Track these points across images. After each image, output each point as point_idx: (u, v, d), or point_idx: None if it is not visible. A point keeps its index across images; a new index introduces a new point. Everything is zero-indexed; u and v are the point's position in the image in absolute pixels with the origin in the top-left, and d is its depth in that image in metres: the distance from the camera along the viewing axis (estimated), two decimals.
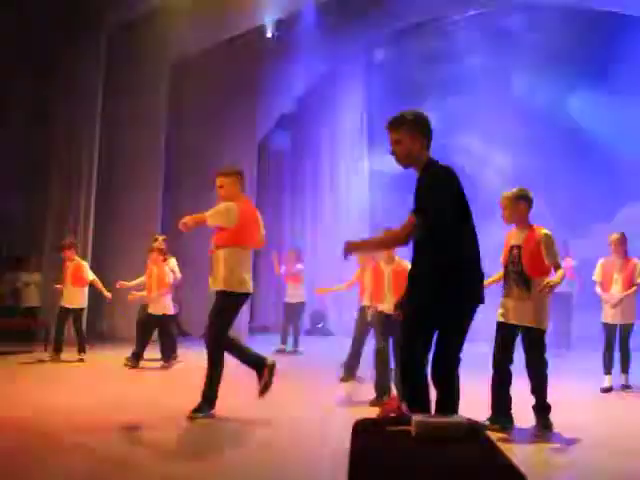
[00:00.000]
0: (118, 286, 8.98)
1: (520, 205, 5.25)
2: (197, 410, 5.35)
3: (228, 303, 5.50)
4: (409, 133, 3.75)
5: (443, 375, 3.75)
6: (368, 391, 6.46)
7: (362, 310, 7.57)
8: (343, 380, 7.60)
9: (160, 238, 9.37)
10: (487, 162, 13.13)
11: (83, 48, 10.95)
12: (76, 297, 8.97)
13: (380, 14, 12.59)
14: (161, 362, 8.62)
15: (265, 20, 12.46)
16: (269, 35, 12.99)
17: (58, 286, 9.00)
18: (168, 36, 11.52)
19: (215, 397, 5.44)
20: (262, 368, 5.48)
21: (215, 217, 5.61)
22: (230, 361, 5.54)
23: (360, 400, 6.43)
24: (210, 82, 12.94)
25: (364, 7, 12.53)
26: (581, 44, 12.15)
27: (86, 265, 9.22)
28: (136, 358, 8.42)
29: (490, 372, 5.22)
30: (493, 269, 5.34)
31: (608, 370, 7.36)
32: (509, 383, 5.18)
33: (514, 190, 5.32)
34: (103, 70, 11.09)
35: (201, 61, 12.44)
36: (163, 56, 11.81)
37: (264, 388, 5.46)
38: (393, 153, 3.83)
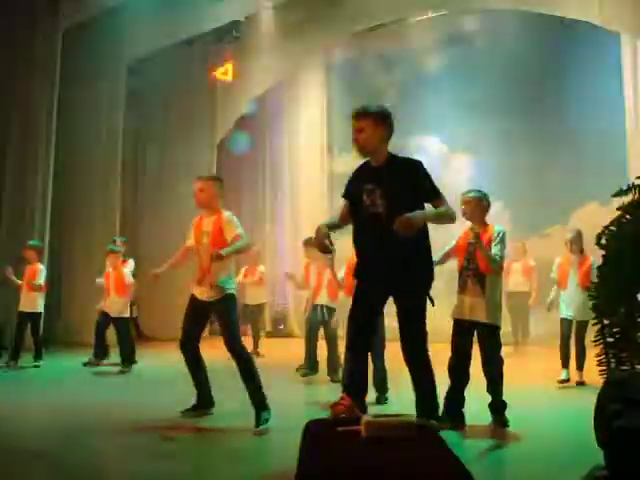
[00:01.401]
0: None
1: (481, 204, 5.39)
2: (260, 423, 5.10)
3: (234, 307, 5.40)
4: (373, 123, 4.03)
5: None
6: (327, 393, 6.46)
7: (314, 309, 7.76)
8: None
9: (119, 240, 9.32)
10: (447, 163, 13.23)
11: (38, 47, 10.77)
12: (32, 301, 8.82)
13: (339, 16, 12.61)
14: (120, 367, 8.54)
15: (224, 21, 12.39)
16: (228, 36, 12.93)
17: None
18: (125, 35, 11.39)
19: (265, 398, 5.24)
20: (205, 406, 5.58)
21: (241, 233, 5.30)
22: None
23: (317, 401, 6.44)
24: (169, 82, 12.84)
25: (323, 9, 12.55)
26: (539, 49, 12.30)
27: (43, 269, 9.06)
28: (97, 357, 8.41)
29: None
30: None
31: (565, 363, 7.51)
32: (466, 382, 5.24)
33: (476, 192, 5.45)
34: (59, 69, 10.89)
35: (159, 61, 12.33)
36: (120, 56, 11.66)
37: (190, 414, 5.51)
38: (355, 141, 4.06)
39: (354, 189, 4.16)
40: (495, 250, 5.23)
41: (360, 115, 4.05)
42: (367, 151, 4.09)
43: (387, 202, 3.97)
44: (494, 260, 5.18)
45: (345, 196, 4.30)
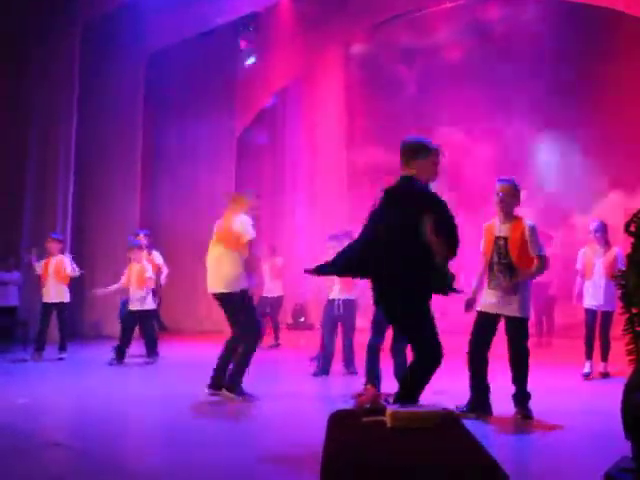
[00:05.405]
0: (97, 293, 9.06)
1: (516, 196, 5.32)
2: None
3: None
4: None
5: None
6: (344, 384, 6.46)
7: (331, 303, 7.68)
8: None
9: (141, 234, 9.34)
10: (467, 153, 13.14)
11: (58, 40, 10.78)
12: (61, 292, 8.88)
13: (358, 7, 12.53)
14: (145, 358, 8.60)
15: (243, 13, 12.35)
16: (246, 28, 12.91)
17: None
18: (144, 29, 11.40)
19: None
20: None
21: None
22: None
23: (334, 393, 6.45)
24: (188, 76, 12.83)
25: (341, 1, 12.49)
26: (560, 37, 12.17)
27: (68, 261, 9.13)
28: (119, 354, 8.43)
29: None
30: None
31: (589, 355, 7.43)
32: (486, 371, 5.23)
33: (512, 180, 5.37)
34: (79, 62, 10.92)
35: (178, 55, 12.32)
36: (139, 49, 11.66)
37: None
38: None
39: None
40: (536, 249, 5.19)
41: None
42: None
43: None
44: (541, 266, 5.21)
45: None
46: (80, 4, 10.82)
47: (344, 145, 14.64)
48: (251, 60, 12.98)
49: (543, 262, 5.23)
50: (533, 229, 5.24)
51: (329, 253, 7.86)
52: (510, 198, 5.29)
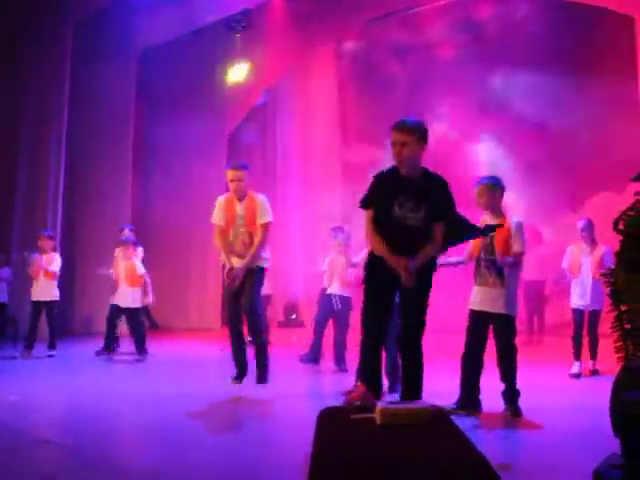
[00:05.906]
0: (98, 270, 9.33)
1: (496, 193, 5.32)
2: None
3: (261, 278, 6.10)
4: (417, 139, 4.08)
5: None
6: (335, 381, 6.46)
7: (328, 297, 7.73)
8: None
9: (126, 229, 9.29)
10: (460, 151, 13.15)
11: (50, 38, 10.73)
12: (50, 290, 8.86)
13: (350, 3, 12.53)
14: (135, 356, 8.60)
15: (235, 9, 12.33)
16: (238, 25, 12.88)
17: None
18: (136, 26, 11.38)
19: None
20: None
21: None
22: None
23: (325, 390, 6.45)
24: (179, 73, 12.80)
25: None
26: (552, 35, 12.17)
27: (59, 258, 9.10)
28: (107, 348, 8.48)
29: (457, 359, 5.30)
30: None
31: (577, 356, 7.43)
32: (480, 370, 5.24)
33: (490, 178, 5.40)
34: (70, 60, 10.88)
35: (169, 52, 12.29)
36: (131, 46, 11.65)
37: None
38: (398, 154, 4.06)
39: (382, 198, 4.11)
40: (516, 247, 5.20)
41: (404, 130, 4.08)
42: (407, 164, 4.09)
43: (425, 215, 4.06)
44: (515, 262, 5.20)
45: (369, 206, 4.16)
46: (72, 2, 10.77)
47: (336, 142, 14.62)
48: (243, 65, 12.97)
49: (517, 258, 5.24)
50: (519, 225, 5.26)
51: (336, 249, 7.90)
52: (487, 196, 5.30)
